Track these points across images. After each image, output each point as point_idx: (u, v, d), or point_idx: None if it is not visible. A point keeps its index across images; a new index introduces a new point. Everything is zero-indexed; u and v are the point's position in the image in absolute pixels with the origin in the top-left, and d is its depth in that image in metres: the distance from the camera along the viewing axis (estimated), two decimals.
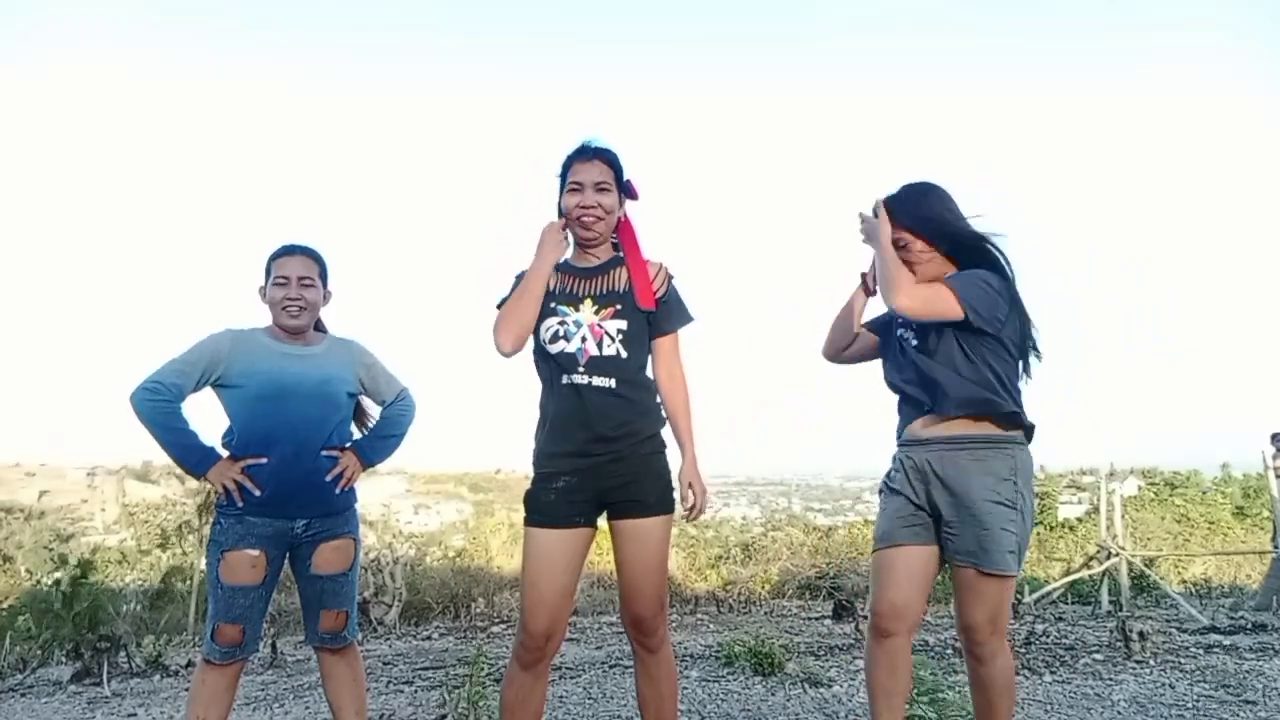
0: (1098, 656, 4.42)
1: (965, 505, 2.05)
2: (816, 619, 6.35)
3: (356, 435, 2.54)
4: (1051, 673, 4.07)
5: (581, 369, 2.07)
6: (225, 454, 2.32)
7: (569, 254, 2.25)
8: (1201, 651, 4.61)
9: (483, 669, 3.18)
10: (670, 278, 2.22)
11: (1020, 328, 2.14)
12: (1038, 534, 14.89)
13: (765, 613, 7.00)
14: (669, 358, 2.20)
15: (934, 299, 2.07)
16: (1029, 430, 2.14)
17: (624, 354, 2.10)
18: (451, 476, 67.77)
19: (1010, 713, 2.17)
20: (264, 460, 2.28)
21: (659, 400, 2.19)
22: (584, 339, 2.09)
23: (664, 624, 2.13)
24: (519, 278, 2.20)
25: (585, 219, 2.14)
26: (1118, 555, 7.58)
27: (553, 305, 2.13)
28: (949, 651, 4.57)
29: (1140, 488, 20.23)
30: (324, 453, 2.35)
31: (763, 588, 8.47)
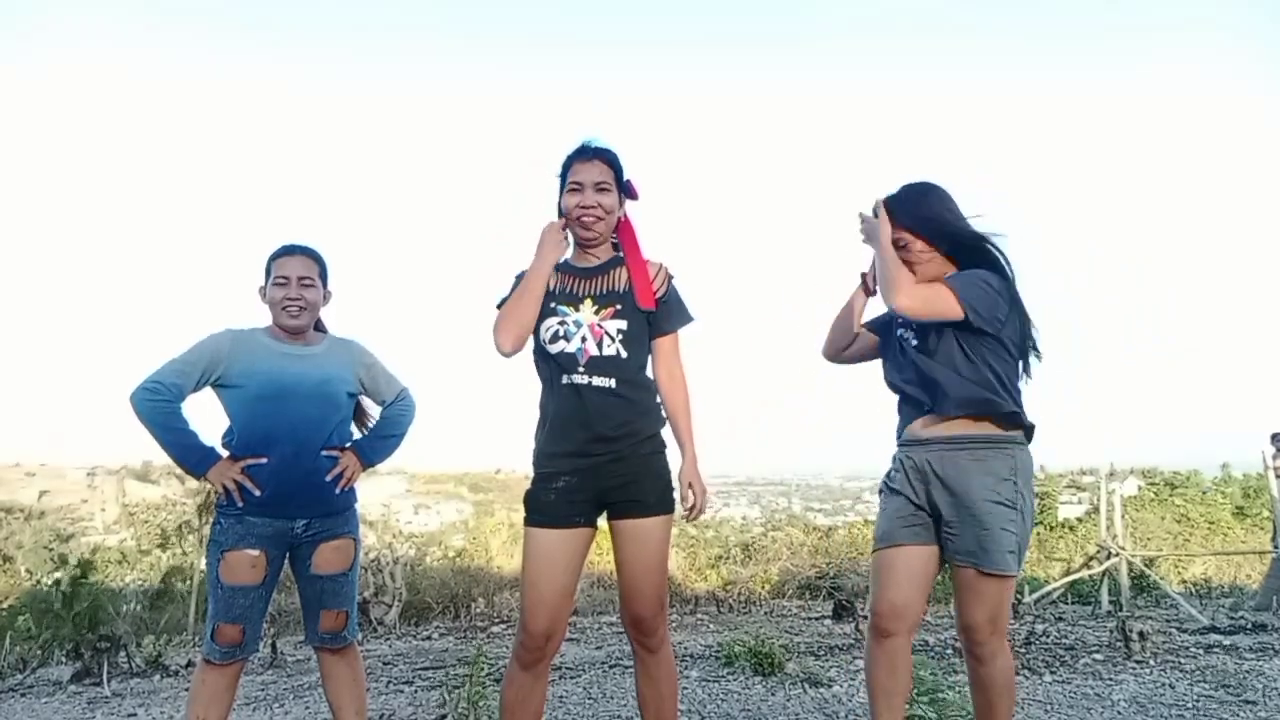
0: (1098, 656, 4.42)
1: (965, 505, 2.05)
2: (816, 619, 6.35)
3: (356, 435, 2.54)
4: (1051, 673, 4.07)
5: (581, 369, 2.07)
6: (225, 454, 2.32)
7: (569, 254, 2.25)
8: (1201, 651, 4.61)
9: (483, 669, 3.18)
10: (670, 278, 2.22)
11: (1020, 327, 2.14)
12: (1038, 534, 14.89)
13: (765, 613, 7.00)
14: (669, 358, 2.20)
15: (934, 299, 2.07)
16: (1029, 430, 2.14)
17: (624, 354, 2.10)
18: (451, 476, 67.78)
19: (1010, 713, 2.17)
20: (264, 460, 2.28)
21: (659, 400, 2.19)
22: (584, 339, 2.09)
23: (664, 624, 2.13)
24: (519, 278, 2.20)
25: (585, 219, 2.14)
26: (1118, 555, 7.58)
27: (553, 305, 2.13)
28: (949, 651, 4.57)
29: (1140, 488, 20.23)
30: (324, 453, 2.35)
31: (763, 588, 8.47)
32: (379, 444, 2.52)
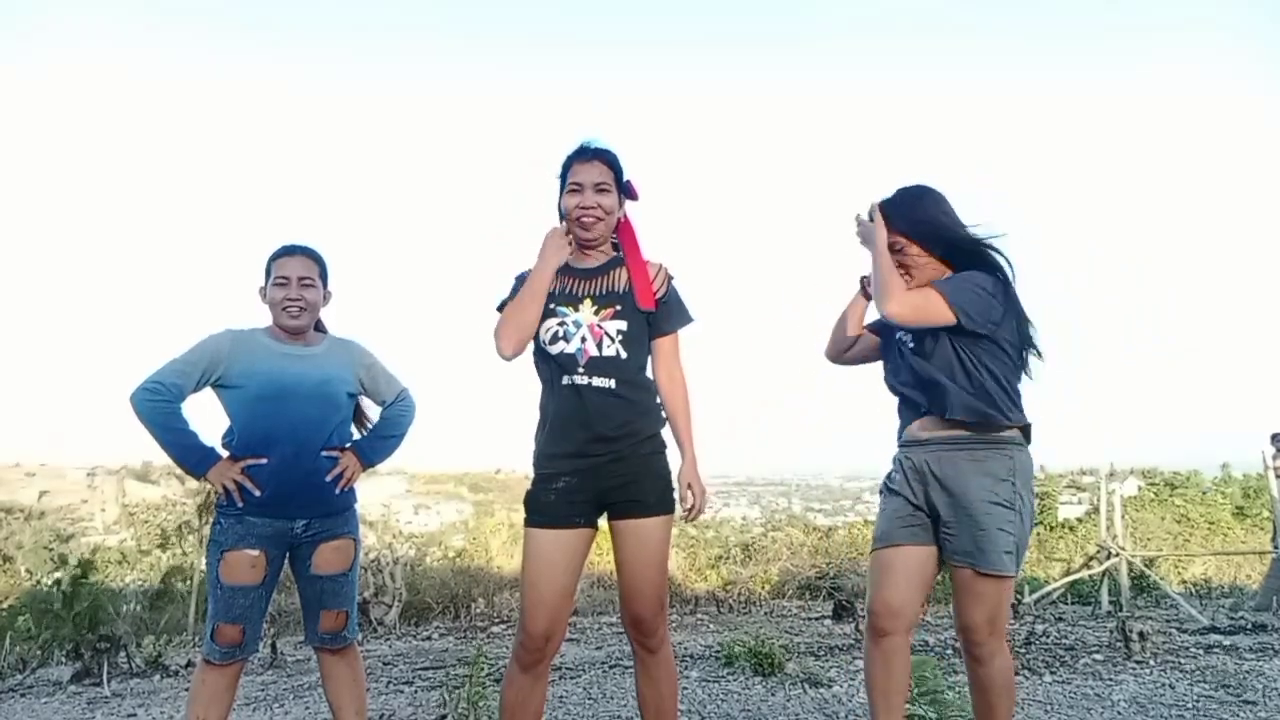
0: (1098, 657, 4.42)
1: (963, 506, 2.05)
2: (816, 619, 6.35)
3: (356, 435, 2.54)
4: (1051, 673, 4.07)
5: (581, 369, 2.07)
6: (225, 454, 2.32)
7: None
8: (1201, 652, 4.61)
9: (483, 669, 3.18)
10: (670, 278, 2.22)
11: (1018, 328, 2.14)
12: (1038, 534, 14.88)
13: (765, 613, 7.00)
14: (669, 358, 2.20)
15: (924, 306, 2.07)
16: (1027, 430, 2.14)
17: (624, 354, 2.10)
18: (451, 476, 67.78)
19: (1010, 713, 2.17)
20: (264, 460, 2.28)
21: (659, 400, 2.19)
22: (584, 339, 2.09)
23: (664, 624, 2.13)
24: (519, 279, 2.21)
25: (585, 220, 2.14)
26: (1118, 555, 7.58)
27: (552, 306, 2.13)
28: (949, 651, 4.57)
29: (1140, 488, 20.23)
30: (324, 453, 2.35)
31: (763, 588, 8.47)
32: (379, 444, 2.52)
